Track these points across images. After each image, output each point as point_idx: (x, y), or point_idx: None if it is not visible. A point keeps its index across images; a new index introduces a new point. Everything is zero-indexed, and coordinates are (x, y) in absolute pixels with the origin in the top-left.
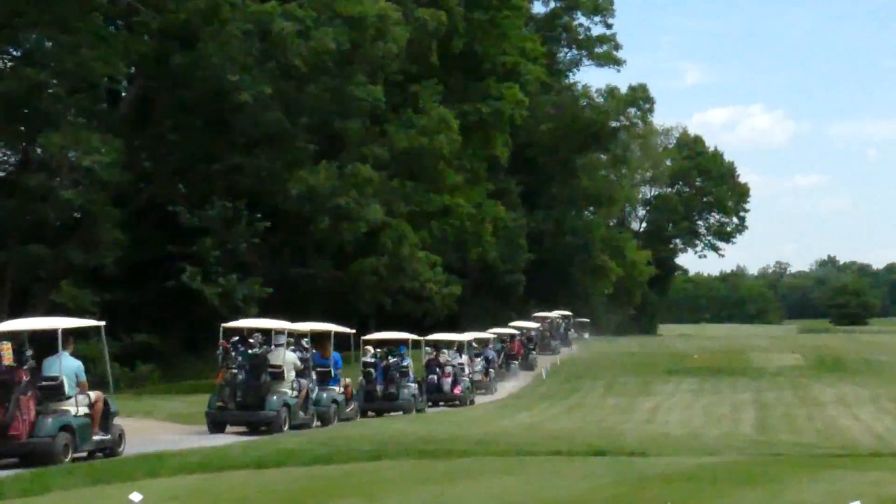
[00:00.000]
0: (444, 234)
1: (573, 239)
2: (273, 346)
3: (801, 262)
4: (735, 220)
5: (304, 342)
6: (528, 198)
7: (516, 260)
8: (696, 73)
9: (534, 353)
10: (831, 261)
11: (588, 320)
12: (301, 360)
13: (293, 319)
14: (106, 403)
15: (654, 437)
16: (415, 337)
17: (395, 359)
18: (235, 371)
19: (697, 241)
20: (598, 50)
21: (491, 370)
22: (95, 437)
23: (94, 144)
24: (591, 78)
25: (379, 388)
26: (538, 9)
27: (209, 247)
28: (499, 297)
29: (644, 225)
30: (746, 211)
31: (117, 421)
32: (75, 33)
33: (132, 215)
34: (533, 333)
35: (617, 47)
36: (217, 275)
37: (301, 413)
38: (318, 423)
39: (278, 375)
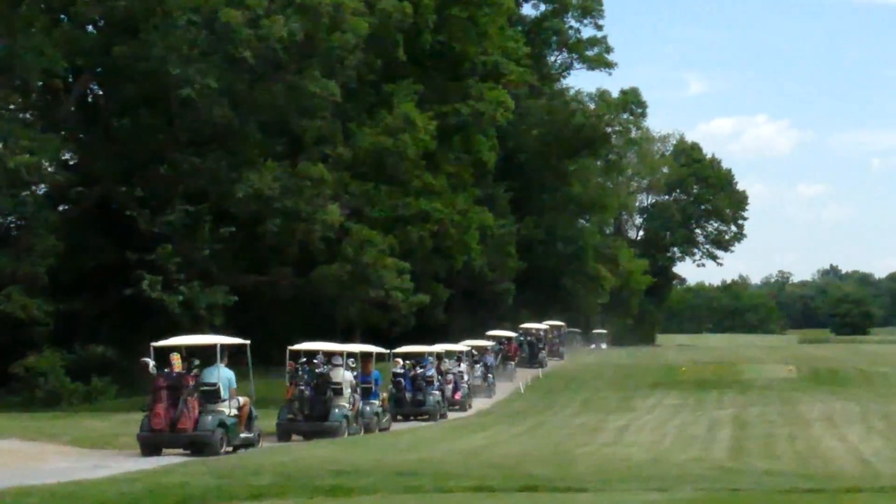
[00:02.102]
0: (422, 241)
1: (565, 247)
2: (333, 366)
3: (803, 271)
4: (733, 228)
5: (351, 362)
6: (518, 205)
7: (505, 268)
8: (700, 84)
9: (543, 352)
10: (833, 270)
11: (605, 331)
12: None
13: (262, 330)
14: (250, 408)
15: (608, 465)
16: (437, 349)
17: (421, 369)
18: (303, 388)
19: (695, 250)
20: (589, 53)
21: (490, 375)
22: (242, 435)
23: (24, 143)
24: (584, 84)
25: (408, 395)
26: (528, 10)
27: (169, 254)
28: (487, 306)
29: (641, 233)
30: (745, 219)
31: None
32: (5, 24)
33: (84, 219)
34: (542, 334)
35: (608, 50)
36: (178, 283)
37: (354, 424)
38: (363, 432)
39: (338, 391)
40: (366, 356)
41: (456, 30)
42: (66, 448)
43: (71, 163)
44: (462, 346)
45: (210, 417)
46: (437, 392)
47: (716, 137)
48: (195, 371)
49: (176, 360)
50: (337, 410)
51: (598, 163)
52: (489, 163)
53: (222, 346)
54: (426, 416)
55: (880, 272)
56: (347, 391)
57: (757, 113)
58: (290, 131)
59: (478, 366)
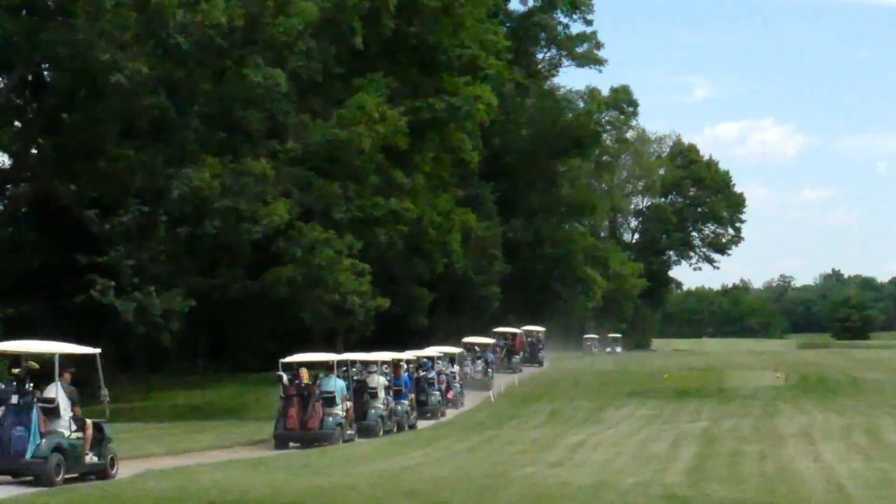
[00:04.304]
0: (392, 242)
1: (553, 250)
2: (369, 373)
3: (806, 275)
4: (731, 230)
5: (385, 368)
6: (504, 206)
7: (491, 272)
8: (705, 88)
9: (542, 352)
10: (836, 274)
11: (620, 335)
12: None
13: (224, 335)
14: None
15: (540, 492)
16: (438, 352)
17: (424, 372)
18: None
19: (692, 253)
20: (579, 49)
21: (489, 370)
22: (348, 432)
23: None
24: (575, 83)
25: (412, 396)
26: (515, 6)
27: (122, 256)
28: (473, 310)
29: (636, 236)
30: (742, 221)
31: None
32: None
33: (26, 217)
34: (541, 336)
35: (598, 46)
36: (132, 288)
37: (388, 422)
38: (396, 429)
39: (374, 394)
40: (396, 362)
41: (428, 20)
42: None
43: (13, 151)
44: (455, 349)
45: (331, 419)
46: (437, 392)
47: (721, 141)
48: (319, 382)
49: (304, 374)
50: (373, 411)
51: (592, 165)
52: (472, 162)
53: (337, 362)
54: (429, 415)
55: (883, 276)
56: (382, 394)
57: (762, 117)
58: (237, 124)
59: (479, 361)
